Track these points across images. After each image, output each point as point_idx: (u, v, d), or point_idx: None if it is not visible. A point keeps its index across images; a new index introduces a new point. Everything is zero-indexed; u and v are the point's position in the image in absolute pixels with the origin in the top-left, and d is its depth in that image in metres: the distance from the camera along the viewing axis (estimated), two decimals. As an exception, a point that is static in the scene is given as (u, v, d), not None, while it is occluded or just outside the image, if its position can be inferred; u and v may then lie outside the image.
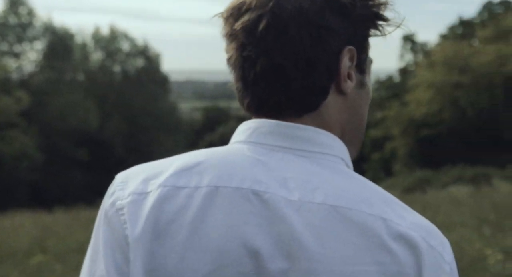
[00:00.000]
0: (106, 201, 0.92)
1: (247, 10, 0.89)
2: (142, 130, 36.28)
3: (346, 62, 0.90)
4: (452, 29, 32.98)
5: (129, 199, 0.88)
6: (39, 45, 34.33)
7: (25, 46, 34.05)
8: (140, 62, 39.36)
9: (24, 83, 32.38)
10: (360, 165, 38.22)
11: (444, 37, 32.78)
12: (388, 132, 30.66)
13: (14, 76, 33.32)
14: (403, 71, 34.62)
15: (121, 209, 0.88)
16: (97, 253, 0.89)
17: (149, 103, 37.18)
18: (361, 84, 0.95)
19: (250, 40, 0.88)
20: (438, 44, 31.66)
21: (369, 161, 34.99)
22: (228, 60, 0.93)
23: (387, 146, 31.02)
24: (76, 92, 33.09)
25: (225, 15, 0.93)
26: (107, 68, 38.62)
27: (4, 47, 33.46)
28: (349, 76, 0.91)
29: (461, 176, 19.92)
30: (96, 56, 38.58)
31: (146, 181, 0.89)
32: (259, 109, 0.92)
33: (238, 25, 0.89)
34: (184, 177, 0.87)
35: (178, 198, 0.85)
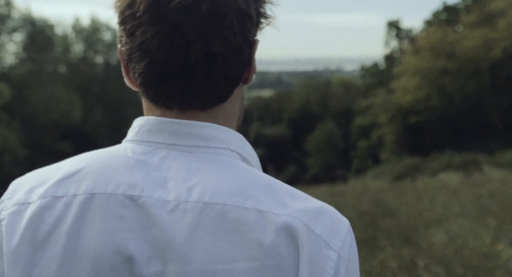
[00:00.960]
0: None
1: None
2: (126, 122, 35.81)
3: (255, 53, 0.92)
4: (436, 14, 32.90)
5: (12, 210, 0.88)
6: (19, 37, 33.72)
7: (4, 38, 33.38)
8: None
9: (4, 76, 31.79)
10: (347, 153, 38.29)
11: (428, 23, 32.68)
12: (375, 119, 30.58)
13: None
14: (389, 58, 34.51)
15: (2, 220, 0.88)
16: None
17: (133, 94, 36.59)
18: None
19: (187, 23, 0.83)
20: (423, 30, 31.55)
21: (356, 149, 34.95)
22: (141, 43, 0.85)
23: (374, 133, 30.96)
24: (58, 84, 32.60)
25: None
26: (89, 59, 38.12)
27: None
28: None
29: (450, 163, 19.84)
30: (78, 47, 38.06)
31: (31, 190, 0.89)
32: (172, 98, 0.88)
33: (174, 4, 0.83)
34: (64, 186, 0.86)
35: (56, 208, 0.85)
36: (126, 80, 0.95)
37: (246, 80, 0.94)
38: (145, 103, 0.95)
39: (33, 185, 0.90)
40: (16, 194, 0.90)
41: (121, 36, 0.89)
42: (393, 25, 34.15)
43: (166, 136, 0.88)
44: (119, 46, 0.92)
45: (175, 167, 0.85)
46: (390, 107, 28.79)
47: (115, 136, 35.08)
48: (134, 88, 0.96)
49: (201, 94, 0.88)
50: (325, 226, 0.83)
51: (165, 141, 0.88)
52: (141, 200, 0.83)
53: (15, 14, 33.18)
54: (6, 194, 0.92)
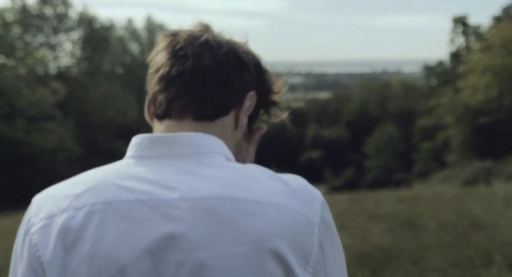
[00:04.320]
0: (22, 228, 1.03)
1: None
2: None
3: (247, 102, 1.11)
4: (507, 10, 30.90)
5: (41, 224, 1.00)
6: (75, 36, 33.72)
7: (61, 37, 33.45)
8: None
9: (61, 75, 31.81)
10: (407, 156, 36.71)
11: (498, 19, 30.75)
12: (440, 121, 28.88)
13: (51, 67, 32.77)
14: (455, 56, 32.66)
15: (33, 234, 1.00)
16: (16, 269, 1.02)
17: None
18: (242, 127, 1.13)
19: (190, 49, 1.08)
20: (494, 26, 29.58)
21: (419, 151, 33.32)
22: (158, 63, 1.10)
23: (439, 135, 29.27)
24: (114, 84, 32.42)
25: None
26: (145, 60, 37.92)
27: (40, 38, 32.87)
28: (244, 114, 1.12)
29: (527, 167, 18.24)
30: (133, 48, 37.93)
31: (53, 205, 1.01)
32: (171, 107, 1.07)
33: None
34: (83, 198, 0.99)
35: (79, 217, 0.97)
36: (146, 115, 1.15)
37: (237, 120, 1.11)
38: (154, 125, 1.13)
39: (55, 200, 1.02)
40: (41, 211, 1.02)
41: (150, 79, 1.12)
42: (460, 22, 32.29)
43: (162, 149, 1.03)
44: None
45: (175, 171, 1.00)
46: (458, 107, 27.03)
47: (170, 136, 34.84)
48: (150, 123, 1.15)
49: (193, 106, 1.06)
50: (305, 204, 0.99)
51: (162, 153, 1.03)
52: (151, 202, 0.97)
53: (72, 13, 33.24)
54: (32, 212, 1.03)
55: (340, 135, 44.27)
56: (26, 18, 31.78)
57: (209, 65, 1.05)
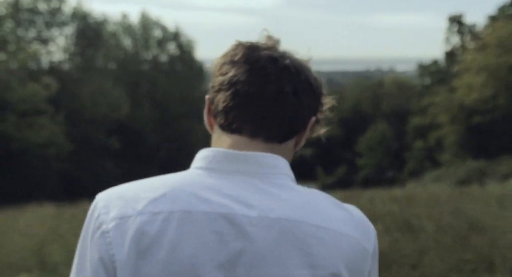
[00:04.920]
0: (92, 223, 1.05)
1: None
2: (174, 118, 35.26)
3: (309, 126, 1.14)
4: (502, 9, 30.86)
5: (113, 223, 1.01)
6: (68, 31, 33.38)
7: (54, 31, 33.10)
8: (172, 49, 38.29)
9: (53, 70, 31.49)
10: (400, 155, 36.64)
11: (493, 18, 30.70)
12: (434, 119, 28.81)
13: (43, 62, 32.43)
14: (450, 55, 32.59)
15: (107, 232, 1.01)
16: (83, 263, 1.04)
17: (183, 90, 36.16)
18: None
19: (271, 67, 1.09)
20: (489, 26, 29.52)
21: (411, 150, 33.26)
22: (232, 76, 1.08)
23: (432, 134, 29.20)
24: (106, 79, 32.12)
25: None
26: (139, 56, 37.67)
27: (33, 33, 32.53)
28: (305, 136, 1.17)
29: (520, 167, 18.19)
30: (127, 43, 37.64)
31: (126, 206, 1.02)
32: (244, 125, 1.08)
33: (265, 54, 1.10)
34: (160, 204, 1.01)
35: (156, 223, 0.99)
36: (205, 120, 1.16)
37: (298, 142, 1.15)
38: (216, 131, 1.13)
39: (127, 201, 1.03)
40: (111, 210, 1.03)
41: (213, 85, 1.12)
42: (455, 20, 32.21)
43: (236, 164, 1.06)
44: (207, 97, 1.15)
45: (250, 189, 1.03)
46: (452, 106, 26.96)
47: (162, 132, 34.58)
48: (209, 130, 1.16)
49: (268, 127, 1.08)
50: (364, 235, 1.07)
51: (235, 169, 1.05)
52: (230, 216, 0.99)
53: (66, 8, 32.89)
54: (99, 209, 1.05)
55: (332, 133, 44.14)
56: (18, 12, 31.44)
57: (288, 92, 1.08)
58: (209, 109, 1.15)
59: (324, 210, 1.04)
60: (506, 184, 14.12)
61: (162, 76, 36.58)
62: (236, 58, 1.10)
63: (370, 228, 1.08)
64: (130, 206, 1.02)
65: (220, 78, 1.10)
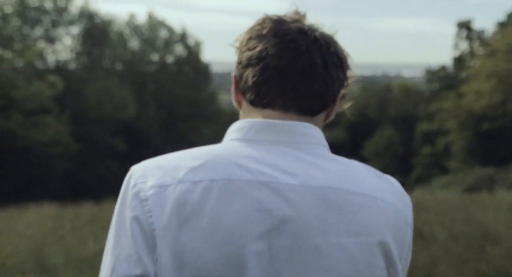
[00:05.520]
0: (129, 191, 1.02)
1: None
2: (180, 119, 35.12)
3: (339, 99, 1.13)
4: (511, 16, 30.57)
5: (152, 192, 0.99)
6: (75, 31, 33.30)
7: (61, 31, 33.01)
8: (179, 50, 38.18)
9: (59, 69, 31.38)
10: (407, 160, 36.35)
11: (502, 24, 30.42)
12: (442, 125, 28.51)
13: (49, 61, 32.34)
14: (458, 61, 32.30)
15: (146, 200, 0.98)
16: (120, 236, 1.00)
17: (189, 92, 36.02)
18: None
19: (301, 40, 1.07)
20: (498, 32, 29.25)
21: (419, 156, 32.95)
22: (261, 50, 1.05)
23: (440, 140, 28.90)
24: (112, 79, 32.01)
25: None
26: (145, 56, 37.56)
27: (39, 31, 32.45)
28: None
29: (530, 174, 17.92)
30: (133, 43, 37.55)
31: (165, 175, 1.00)
32: (276, 99, 1.06)
33: (294, 27, 1.07)
34: (200, 173, 0.99)
35: (196, 191, 0.97)
36: (233, 97, 1.13)
37: (328, 115, 1.14)
38: (246, 108, 1.10)
39: (164, 172, 1.00)
40: (148, 179, 1.00)
41: (240, 61, 1.09)
42: (464, 26, 31.94)
43: (274, 134, 1.04)
44: (233, 74, 1.11)
45: (290, 158, 1.01)
46: (460, 112, 26.67)
47: (168, 134, 34.41)
48: (237, 107, 1.13)
49: (300, 100, 1.06)
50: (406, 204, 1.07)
51: (274, 138, 1.03)
52: (272, 185, 0.98)
53: (73, 7, 32.81)
54: (136, 178, 1.02)
55: (339, 137, 43.97)
56: (25, 10, 31.37)
57: (318, 64, 1.05)
58: (236, 86, 1.11)
59: (366, 179, 1.03)
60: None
61: (169, 77, 36.46)
62: (264, 32, 1.07)
63: (409, 200, 1.08)
64: (169, 175, 0.99)
65: (248, 53, 1.07)
